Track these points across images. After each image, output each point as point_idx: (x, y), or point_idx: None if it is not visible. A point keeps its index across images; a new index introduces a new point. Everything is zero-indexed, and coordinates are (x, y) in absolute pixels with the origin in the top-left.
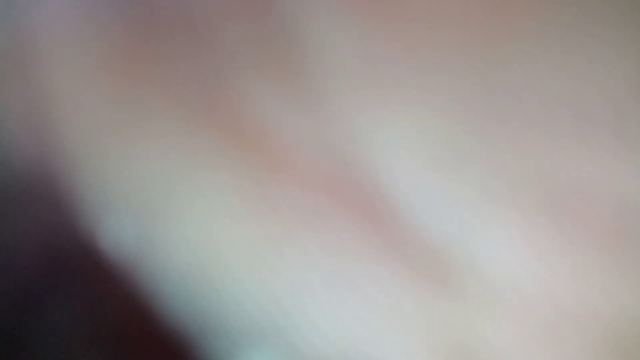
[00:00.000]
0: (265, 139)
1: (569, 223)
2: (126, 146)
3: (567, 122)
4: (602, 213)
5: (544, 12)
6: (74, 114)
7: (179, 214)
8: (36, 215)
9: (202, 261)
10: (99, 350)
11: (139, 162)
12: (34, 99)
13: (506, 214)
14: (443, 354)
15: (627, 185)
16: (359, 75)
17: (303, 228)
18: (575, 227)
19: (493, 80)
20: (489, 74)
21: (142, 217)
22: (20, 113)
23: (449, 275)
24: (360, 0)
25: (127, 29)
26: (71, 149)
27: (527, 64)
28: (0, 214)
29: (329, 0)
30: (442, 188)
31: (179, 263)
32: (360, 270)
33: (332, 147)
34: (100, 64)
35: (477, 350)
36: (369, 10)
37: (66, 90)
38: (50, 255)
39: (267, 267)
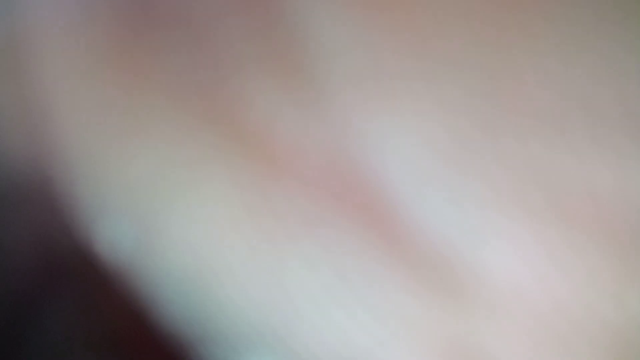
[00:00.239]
0: (265, 138)
1: (578, 226)
2: (123, 147)
3: (578, 121)
4: (613, 217)
5: (554, 7)
6: (71, 113)
7: (177, 216)
8: (31, 217)
9: (200, 265)
10: (95, 355)
11: (136, 163)
12: (30, 98)
13: (513, 217)
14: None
15: None
16: (361, 70)
17: (304, 230)
18: (585, 231)
19: (502, 77)
20: (498, 70)
21: (139, 220)
22: (15, 113)
23: (453, 279)
24: None
25: (125, 26)
26: (67, 150)
27: (537, 60)
28: None
29: None
30: (447, 189)
31: (176, 267)
32: (361, 274)
33: (334, 145)
34: (97, 62)
35: (480, 356)
36: (372, 4)
37: (63, 90)
38: (46, 259)
39: (267, 271)
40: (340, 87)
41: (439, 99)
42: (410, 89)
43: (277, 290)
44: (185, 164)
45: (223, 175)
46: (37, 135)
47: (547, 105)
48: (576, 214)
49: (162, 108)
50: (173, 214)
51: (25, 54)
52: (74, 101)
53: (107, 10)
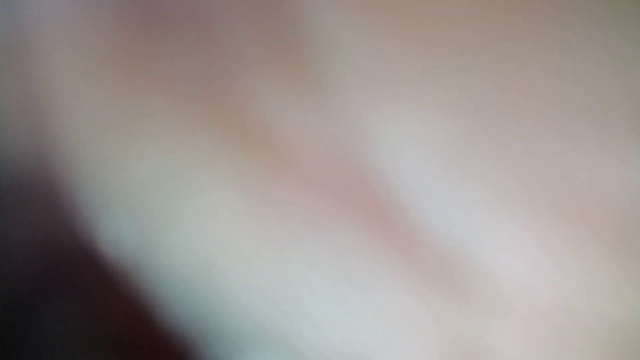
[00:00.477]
0: (270, 138)
1: (583, 226)
2: (127, 145)
3: (584, 121)
4: (618, 216)
5: (561, 6)
6: (73, 111)
7: (180, 214)
8: (34, 216)
9: (203, 263)
10: (97, 354)
11: (139, 161)
12: (32, 96)
13: (518, 216)
14: (450, 359)
15: None
16: (368, 72)
17: (308, 229)
18: (590, 231)
19: (507, 76)
20: (503, 70)
21: (142, 218)
22: (18, 111)
23: (457, 278)
24: None
25: (129, 25)
26: (71, 149)
27: (542, 59)
28: None
29: None
30: (452, 188)
31: (179, 264)
32: (365, 273)
33: (339, 146)
34: (100, 60)
35: (485, 356)
36: (378, 5)
37: (65, 88)
38: (49, 258)
39: (270, 269)
40: (346, 90)
41: (444, 101)
42: (417, 91)
43: (281, 290)
44: (189, 163)
45: (228, 174)
46: (40, 134)
47: (553, 105)
48: (581, 214)
49: (167, 108)
50: (176, 212)
51: (29, 53)
52: (78, 100)
53: (113, 10)
